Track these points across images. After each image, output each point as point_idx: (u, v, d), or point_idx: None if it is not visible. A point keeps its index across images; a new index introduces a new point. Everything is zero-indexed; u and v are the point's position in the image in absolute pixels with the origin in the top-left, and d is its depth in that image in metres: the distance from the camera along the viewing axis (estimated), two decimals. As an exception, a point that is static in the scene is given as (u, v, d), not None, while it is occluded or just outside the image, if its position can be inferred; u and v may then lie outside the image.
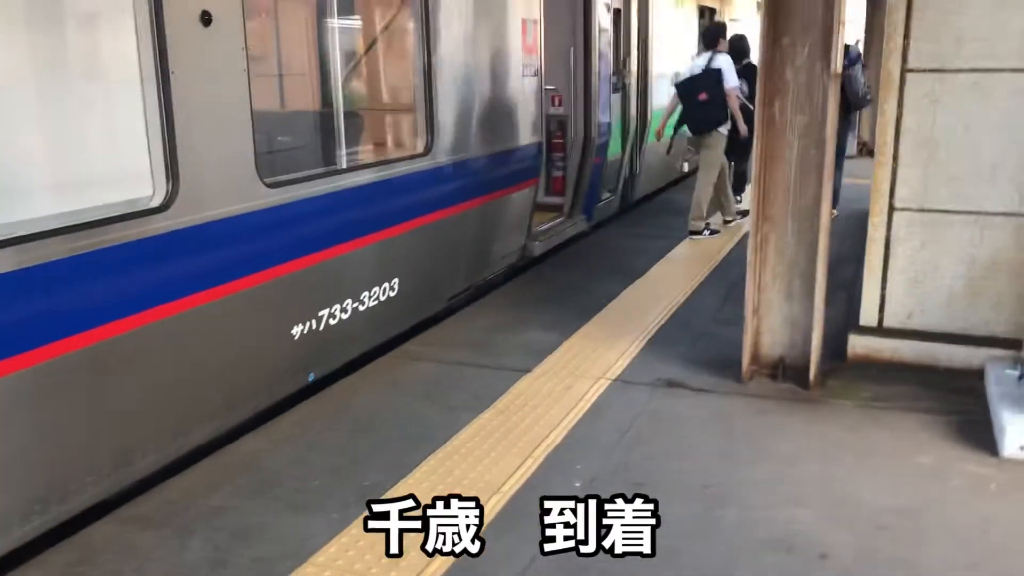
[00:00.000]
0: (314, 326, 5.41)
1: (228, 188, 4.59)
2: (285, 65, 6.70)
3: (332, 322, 5.58)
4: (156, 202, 4.24)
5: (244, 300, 4.77)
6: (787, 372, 5.41)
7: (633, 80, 10.92)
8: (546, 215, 9.44)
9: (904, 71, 5.30)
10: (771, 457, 4.47)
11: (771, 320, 5.45)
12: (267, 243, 4.95)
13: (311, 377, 5.52)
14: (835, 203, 9.94)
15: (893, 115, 5.36)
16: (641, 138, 11.52)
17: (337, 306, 5.60)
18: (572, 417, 4.96)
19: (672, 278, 7.85)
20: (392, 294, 6.19)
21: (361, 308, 5.86)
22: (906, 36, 5.26)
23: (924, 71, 5.26)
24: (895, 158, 5.41)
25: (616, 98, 10.44)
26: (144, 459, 4.32)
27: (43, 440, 3.81)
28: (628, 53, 10.63)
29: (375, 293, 6.00)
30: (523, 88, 7.78)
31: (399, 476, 4.31)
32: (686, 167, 14.08)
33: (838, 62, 4.95)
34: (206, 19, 4.35)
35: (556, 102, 9.57)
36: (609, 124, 9.98)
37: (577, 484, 4.23)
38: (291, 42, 6.66)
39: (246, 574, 3.56)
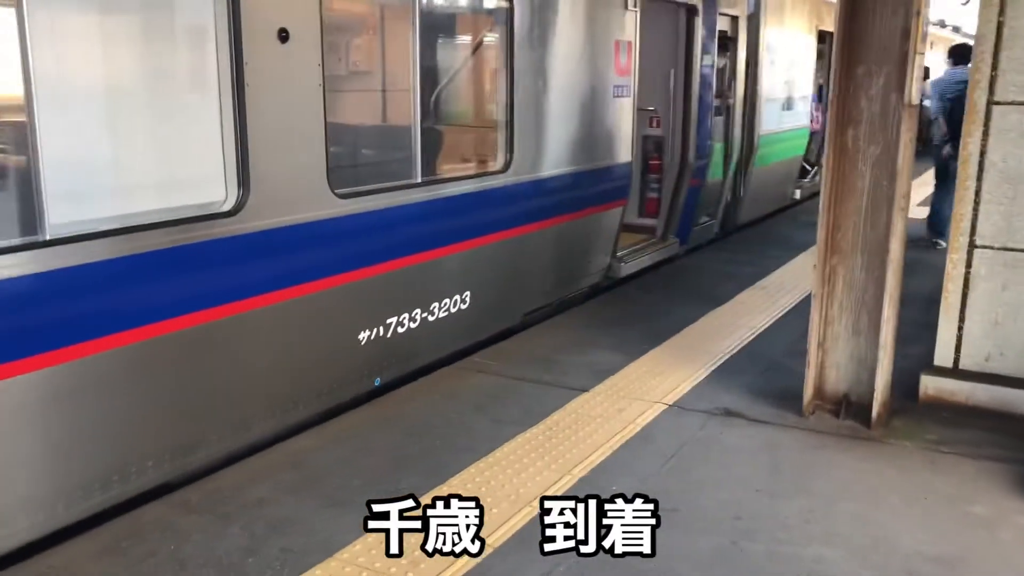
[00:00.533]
0: (381, 333, 5.60)
1: (298, 197, 4.83)
2: (366, 81, 6.95)
3: (400, 330, 5.76)
4: (227, 207, 4.51)
5: (310, 304, 5.00)
6: (850, 409, 5.24)
7: (739, 103, 10.76)
8: (637, 236, 9.42)
9: (990, 103, 5.07)
10: (812, 493, 4.35)
11: (837, 355, 5.29)
12: (335, 251, 5.17)
13: (377, 382, 5.72)
14: (942, 234, 9.56)
15: (977, 148, 5.14)
16: (747, 162, 11.33)
17: (405, 315, 5.78)
18: (619, 439, 4.96)
19: (757, 306, 7.70)
20: (463, 307, 6.33)
21: (430, 318, 6.02)
22: (994, 67, 5.04)
23: (1012, 103, 5.03)
24: (977, 193, 5.18)
25: (719, 121, 10.32)
26: (204, 450, 4.58)
27: (120, 417, 4.12)
28: (734, 76, 10.49)
29: (445, 305, 6.15)
30: (613, 108, 7.82)
31: (436, 482, 4.42)
32: (798, 194, 13.78)
33: (914, 93, 4.79)
34: (283, 36, 4.61)
35: (654, 123, 9.55)
36: (709, 147, 9.87)
37: (608, 505, 4.23)
38: (372, 58, 6.91)
39: (273, 563, 3.74)
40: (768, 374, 6.00)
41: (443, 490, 4.35)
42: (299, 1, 4.69)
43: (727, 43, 10.35)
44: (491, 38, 6.67)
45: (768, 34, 11.08)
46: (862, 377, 5.24)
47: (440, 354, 6.23)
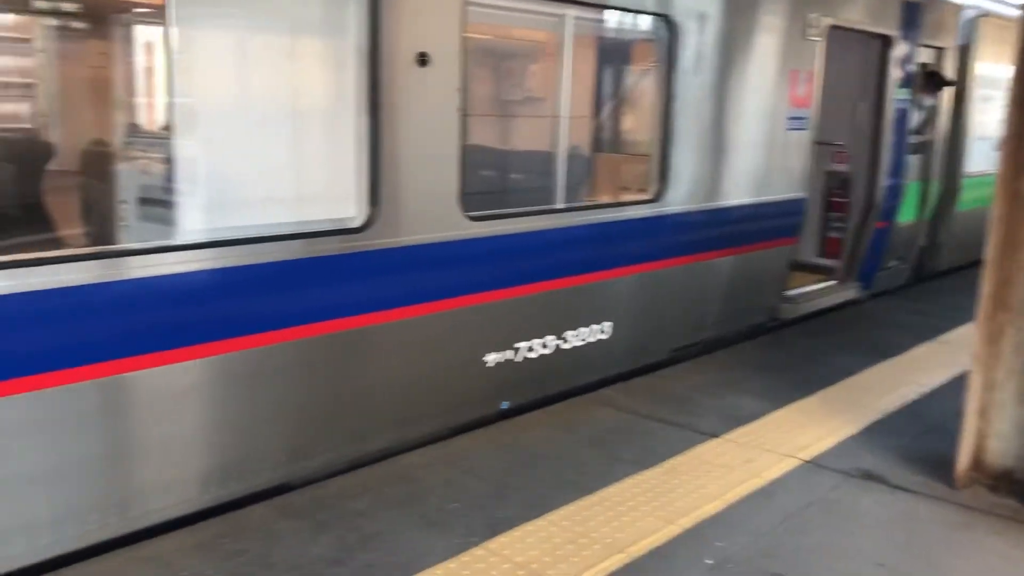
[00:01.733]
0: (510, 356, 5.58)
1: (428, 216, 4.90)
2: (512, 106, 6.98)
3: (530, 355, 5.71)
4: (357, 223, 4.65)
5: (436, 322, 5.06)
6: (1013, 487, 4.65)
7: (940, 141, 9.93)
8: (813, 277, 8.89)
9: None
10: (942, 578, 3.88)
11: (1001, 424, 4.72)
12: (464, 272, 5.20)
13: (504, 405, 5.69)
14: None
15: None
16: (948, 205, 10.44)
17: (536, 340, 5.73)
18: (738, 491, 4.65)
19: (931, 362, 7.03)
20: (602, 337, 6.20)
21: (564, 346, 5.93)
22: None
23: None
24: None
25: (914, 159, 9.57)
26: (321, 457, 4.72)
27: (248, 416, 4.35)
28: (935, 112, 9.70)
29: (581, 333, 6.04)
30: (785, 141, 7.42)
31: (534, 515, 4.32)
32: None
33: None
34: (422, 60, 4.71)
35: (839, 159, 9.00)
36: (900, 186, 9.17)
37: (708, 562, 3.97)
38: (519, 84, 6.93)
39: (354, 576, 3.78)
40: (926, 437, 5.45)
41: (539, 524, 4.24)
42: (441, 26, 4.77)
43: (931, 77, 9.59)
44: (648, 63, 6.51)
45: (980, 68, 10.18)
46: (1030, 452, 4.64)
47: (574, 383, 6.12)
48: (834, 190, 9.07)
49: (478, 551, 3.98)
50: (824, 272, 9.05)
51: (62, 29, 6.76)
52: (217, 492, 4.32)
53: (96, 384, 3.81)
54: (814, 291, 8.58)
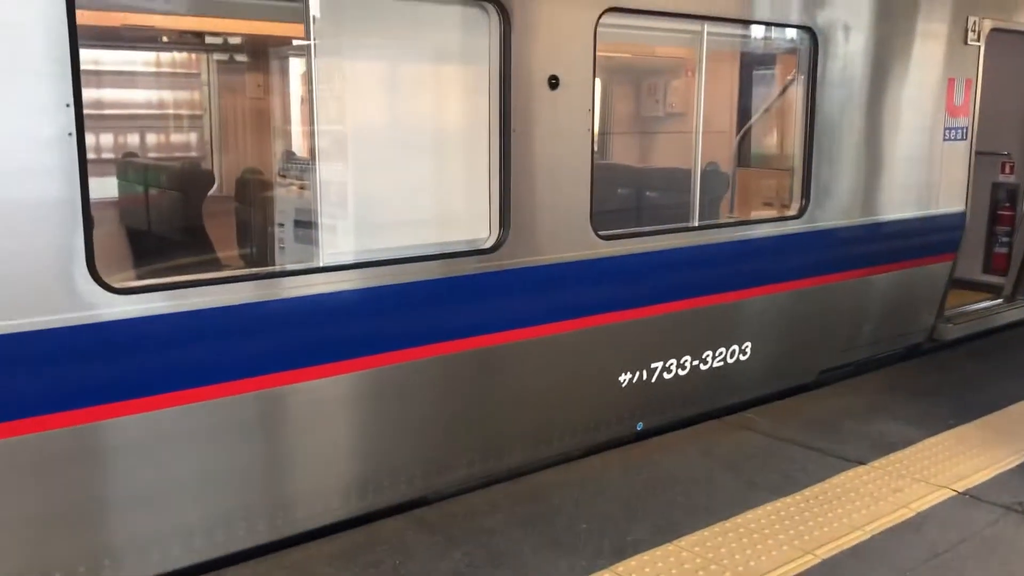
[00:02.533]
0: (644, 377, 5.52)
1: (559, 237, 4.93)
2: (647, 124, 6.92)
3: (667, 376, 5.64)
4: (489, 244, 4.74)
5: (568, 341, 5.08)
6: None
7: None
8: (978, 295, 8.36)
9: None
10: (1112, 628, 3.55)
11: None
12: (597, 291, 5.19)
13: (639, 426, 5.64)
14: None
15: None
16: None
17: (673, 361, 5.64)
18: (884, 522, 4.43)
19: (1112, 388, 6.47)
20: (743, 358, 6.04)
21: (703, 367, 5.82)
22: None
23: None
24: None
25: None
26: (455, 472, 4.82)
27: (391, 429, 4.52)
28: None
29: (721, 354, 5.91)
30: (942, 152, 7.03)
31: (663, 540, 4.26)
32: None
33: None
34: (553, 83, 4.76)
35: (1007, 169, 8.44)
36: (1076, 198, 8.50)
37: (847, 596, 3.80)
38: (654, 102, 6.86)
39: (481, 593, 3.84)
40: (1101, 472, 5.01)
41: (668, 549, 4.17)
42: (571, 49, 4.81)
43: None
44: (789, 75, 6.32)
45: None
46: None
47: (713, 405, 5.99)
48: (1001, 203, 8.51)
49: (605, 574, 3.95)
50: (990, 290, 8.49)
51: (225, 63, 7.26)
52: (358, 503, 4.48)
53: (253, 397, 4.05)
54: (977, 310, 8.06)
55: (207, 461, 3.97)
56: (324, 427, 4.31)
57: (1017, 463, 5.13)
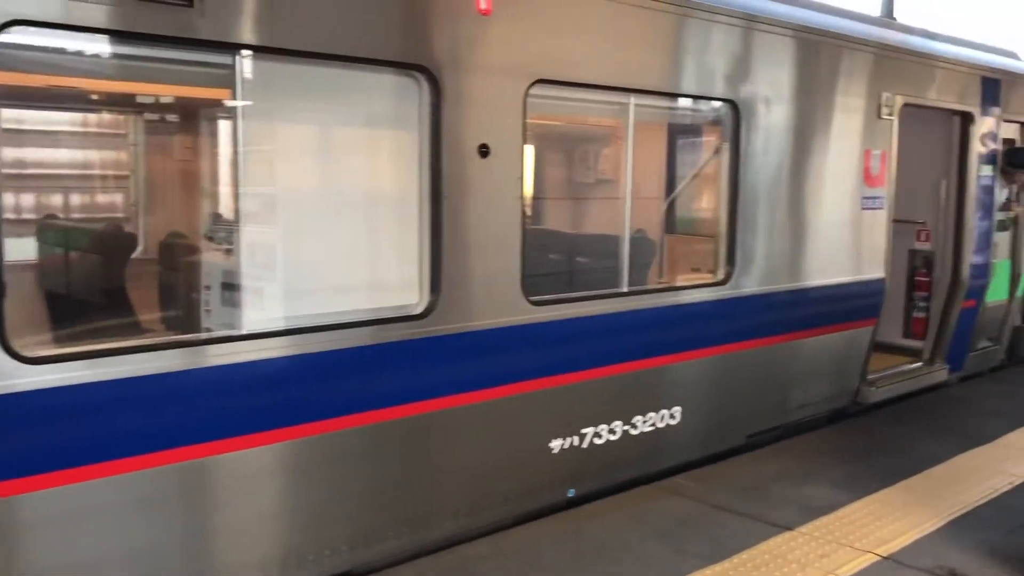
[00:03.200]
0: (576, 443, 5.50)
1: (489, 302, 4.93)
2: (575, 190, 7.03)
3: (597, 441, 5.63)
4: (419, 309, 4.71)
5: (499, 407, 5.04)
6: (1114, 592, 4.32)
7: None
8: (899, 359, 8.58)
9: None
10: None
11: (1096, 522, 4.41)
12: (528, 357, 5.19)
13: (571, 493, 5.59)
14: None
15: None
16: (1042, 283, 10.00)
17: (604, 426, 5.64)
18: (811, 590, 4.44)
19: (1026, 450, 6.67)
20: (672, 422, 6.07)
21: (633, 432, 5.83)
22: None
23: None
24: None
25: (1004, 237, 9.23)
26: (383, 544, 4.70)
27: (310, 503, 4.38)
28: (1023, 188, 9.38)
29: (651, 419, 5.93)
30: (860, 221, 7.27)
31: (593, 612, 4.20)
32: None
33: None
34: (483, 151, 4.80)
35: (923, 237, 8.76)
36: (988, 265, 8.84)
37: (776, 666, 3.78)
38: (582, 170, 6.99)
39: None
40: (1017, 534, 5.13)
41: (598, 621, 4.12)
42: (502, 118, 4.87)
43: (1018, 152, 9.29)
44: (714, 146, 6.50)
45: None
46: None
47: (644, 471, 5.98)
48: (918, 269, 8.82)
49: (534, 649, 3.88)
50: (910, 354, 8.73)
51: (152, 124, 7.16)
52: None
53: (173, 469, 3.91)
54: (898, 373, 8.27)
55: (125, 537, 3.81)
56: (247, 499, 4.18)
57: (938, 526, 5.23)
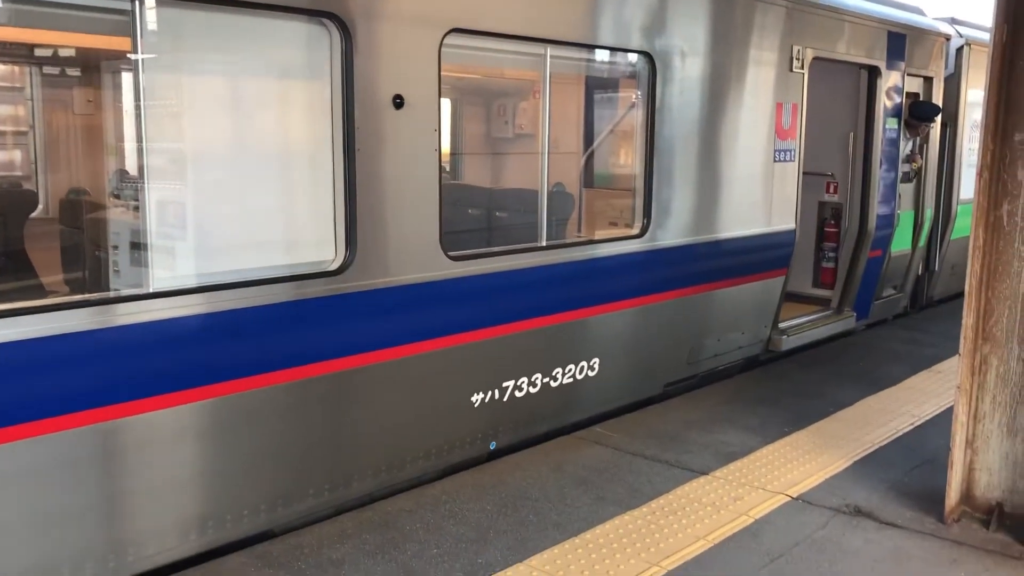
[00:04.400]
0: (496, 396, 5.53)
1: (407, 258, 4.88)
2: (493, 144, 7.00)
3: (518, 394, 5.67)
4: (335, 265, 4.64)
5: (419, 363, 5.02)
6: (1003, 521, 4.58)
7: (932, 169, 9.92)
8: (809, 308, 8.84)
9: None
10: (929, 619, 3.80)
11: (988, 457, 4.66)
12: (447, 312, 5.17)
13: (492, 446, 5.64)
14: None
15: None
16: (942, 233, 10.40)
17: (524, 379, 5.68)
18: (725, 531, 4.59)
19: (926, 392, 6.96)
20: (591, 374, 6.15)
21: (553, 384, 5.89)
22: None
23: None
24: None
25: (907, 188, 9.55)
26: (303, 503, 4.66)
27: (228, 464, 4.32)
28: (926, 140, 9.70)
29: (570, 371, 6.00)
30: (772, 173, 7.42)
31: (515, 560, 4.27)
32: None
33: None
34: (398, 102, 4.72)
35: (831, 189, 9.00)
36: (893, 215, 9.14)
37: (691, 605, 3.90)
38: (499, 123, 6.95)
39: (329, 628, 3.72)
40: (918, 471, 5.38)
41: (520, 569, 4.18)
42: (416, 69, 4.78)
43: (921, 105, 9.59)
44: (630, 99, 6.53)
45: (971, 95, 10.18)
46: (1020, 485, 4.57)
47: (564, 421, 6.07)
48: (827, 220, 9.07)
49: (456, 598, 3.92)
50: (820, 303, 9.01)
51: (52, 77, 6.83)
52: (197, 541, 4.27)
53: (84, 432, 3.80)
54: (808, 322, 8.52)
55: (32, 502, 3.70)
56: (159, 461, 4.09)
57: (845, 466, 5.44)
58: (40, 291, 5.22)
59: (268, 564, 4.19)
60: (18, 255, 5.45)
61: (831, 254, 9.06)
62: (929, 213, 10.02)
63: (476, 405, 5.44)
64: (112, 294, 4.63)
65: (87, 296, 4.32)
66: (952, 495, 4.64)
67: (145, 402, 4.00)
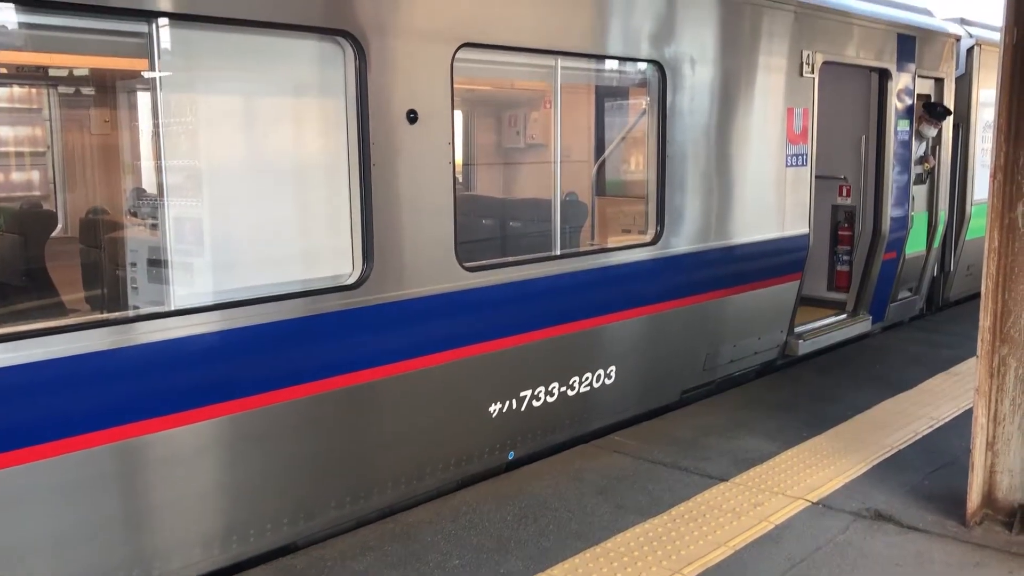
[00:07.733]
0: (514, 406, 5.56)
1: (423, 270, 4.92)
2: (507, 155, 7.04)
3: (536, 404, 5.69)
4: (352, 279, 4.68)
5: (436, 374, 5.05)
6: (1026, 523, 4.56)
7: (945, 171, 9.90)
8: (824, 312, 8.83)
9: None
10: (953, 622, 3.79)
11: (1009, 459, 4.64)
12: (464, 323, 5.20)
13: (511, 455, 5.66)
14: None
15: None
16: (957, 234, 10.38)
17: (541, 388, 5.71)
18: (746, 537, 4.59)
19: (944, 395, 6.94)
20: (608, 382, 6.17)
21: (570, 393, 5.91)
22: None
23: None
24: None
25: (920, 190, 9.53)
26: (324, 516, 4.70)
27: (248, 479, 4.35)
28: (939, 141, 9.68)
29: (587, 379, 6.02)
30: (785, 178, 7.43)
31: (536, 569, 4.28)
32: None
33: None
34: (412, 117, 4.76)
35: (844, 192, 9.00)
36: (907, 217, 9.12)
37: (714, 612, 3.91)
38: (512, 134, 6.99)
39: (353, 640, 3.74)
40: (938, 474, 5.36)
41: (541, 578, 4.20)
42: (429, 83, 4.83)
43: (932, 107, 9.58)
44: (641, 107, 6.55)
45: (983, 95, 10.16)
46: (1042, 487, 4.56)
47: (582, 430, 6.08)
48: (841, 223, 9.06)
49: (479, 609, 3.94)
50: (835, 306, 9.00)
51: (69, 97, 6.92)
52: (221, 555, 4.31)
53: (107, 450, 3.85)
54: (824, 326, 8.51)
55: (60, 518, 3.75)
56: (183, 477, 4.13)
57: (864, 471, 5.43)
58: (62, 309, 5.29)
59: (292, 577, 4.23)
60: (40, 273, 5.52)
61: (845, 257, 9.05)
62: (943, 215, 9.99)
63: (494, 415, 5.46)
64: (132, 313, 4.68)
65: (111, 315, 4.38)
66: (974, 498, 4.63)
67: (168, 419, 4.05)
